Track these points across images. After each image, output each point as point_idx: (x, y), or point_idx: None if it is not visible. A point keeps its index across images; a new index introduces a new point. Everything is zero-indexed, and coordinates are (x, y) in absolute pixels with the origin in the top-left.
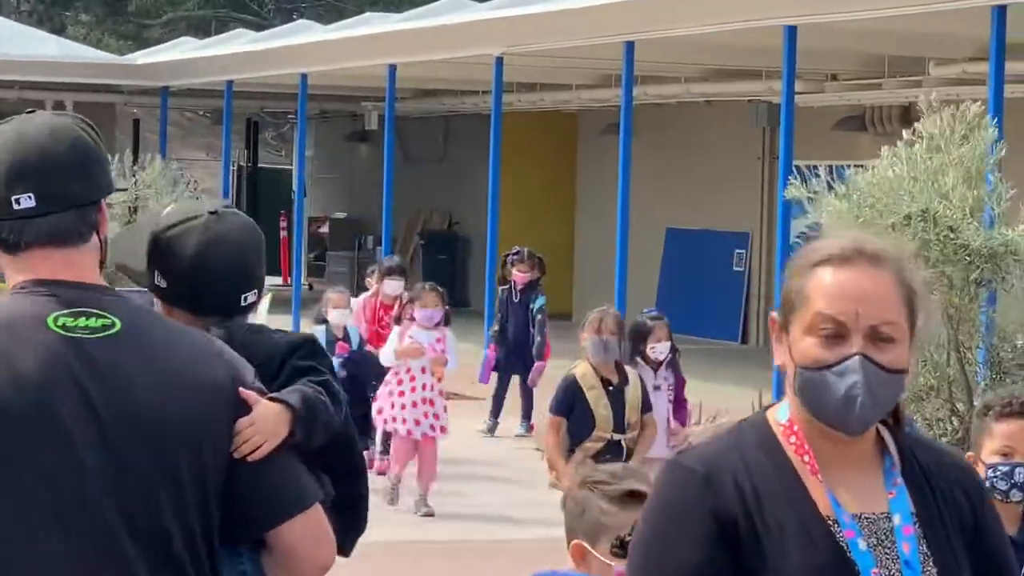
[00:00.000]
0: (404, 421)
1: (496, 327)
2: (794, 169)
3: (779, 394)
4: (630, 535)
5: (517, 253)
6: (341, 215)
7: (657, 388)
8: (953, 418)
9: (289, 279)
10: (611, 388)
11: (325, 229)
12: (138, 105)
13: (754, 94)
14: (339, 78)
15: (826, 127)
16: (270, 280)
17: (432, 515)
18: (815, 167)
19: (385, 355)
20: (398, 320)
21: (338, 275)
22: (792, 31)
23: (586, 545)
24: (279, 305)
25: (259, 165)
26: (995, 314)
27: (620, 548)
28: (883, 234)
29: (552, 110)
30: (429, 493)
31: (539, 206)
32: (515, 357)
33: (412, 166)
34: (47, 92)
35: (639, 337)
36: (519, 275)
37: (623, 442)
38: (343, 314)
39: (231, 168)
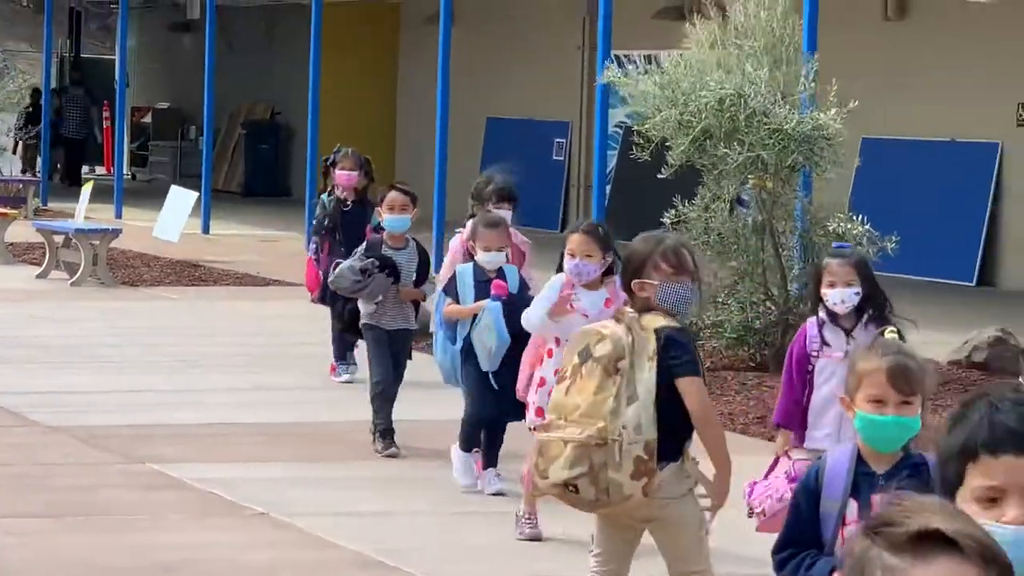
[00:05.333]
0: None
1: (318, 242)
2: (612, 57)
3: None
4: None
5: (339, 151)
6: (164, 105)
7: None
8: (767, 301)
9: (112, 169)
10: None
11: (148, 119)
12: None
13: None
14: None
15: (646, 16)
16: (93, 170)
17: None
18: (632, 56)
19: (532, 317)
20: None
21: (160, 165)
22: None
23: None
24: (102, 194)
25: (82, 55)
26: (808, 201)
27: None
28: (697, 115)
29: (374, 1)
30: None
31: (361, 96)
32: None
33: (236, 56)
34: None
35: (816, 280)
36: (343, 174)
37: None
38: (496, 259)
39: (52, 59)
